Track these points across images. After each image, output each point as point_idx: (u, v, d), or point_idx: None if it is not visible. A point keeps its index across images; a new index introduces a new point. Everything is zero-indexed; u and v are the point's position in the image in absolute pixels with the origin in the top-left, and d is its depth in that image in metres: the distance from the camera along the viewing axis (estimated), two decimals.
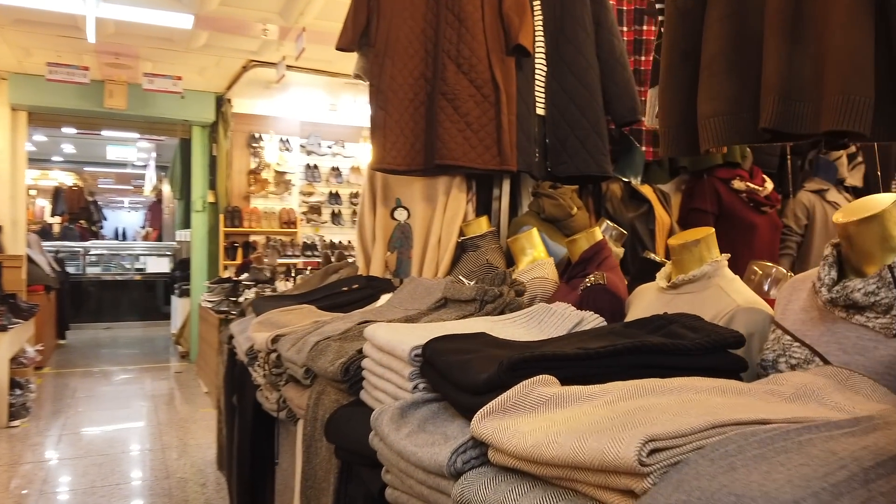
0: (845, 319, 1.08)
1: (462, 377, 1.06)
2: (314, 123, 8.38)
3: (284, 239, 8.09)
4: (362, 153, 8.64)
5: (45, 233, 11.90)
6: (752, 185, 2.85)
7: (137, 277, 11.27)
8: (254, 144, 8.05)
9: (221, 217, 7.75)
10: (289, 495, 2.04)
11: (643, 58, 2.80)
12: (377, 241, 2.67)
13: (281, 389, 1.93)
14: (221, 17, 5.17)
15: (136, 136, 10.03)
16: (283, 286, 5.59)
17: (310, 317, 2.13)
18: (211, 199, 7.93)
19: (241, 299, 5.71)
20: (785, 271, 1.63)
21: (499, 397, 0.93)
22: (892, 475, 0.59)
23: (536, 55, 2.52)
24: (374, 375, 1.36)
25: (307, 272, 5.50)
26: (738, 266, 1.47)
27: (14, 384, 5.11)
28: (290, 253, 7.89)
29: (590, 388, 0.95)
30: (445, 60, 2.37)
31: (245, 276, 6.28)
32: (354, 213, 8.68)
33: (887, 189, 3.27)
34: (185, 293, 8.25)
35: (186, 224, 8.82)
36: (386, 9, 2.45)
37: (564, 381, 0.99)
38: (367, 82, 2.53)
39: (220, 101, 7.67)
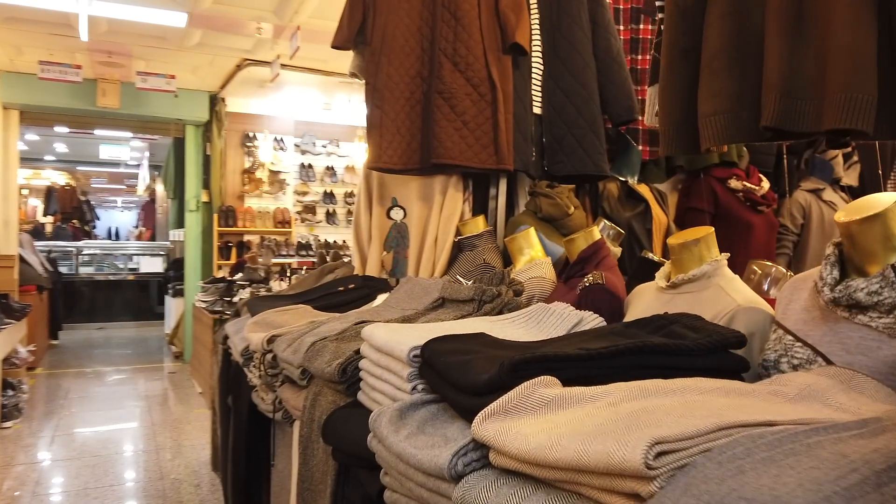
0: (848, 319, 1.07)
1: (462, 378, 1.04)
2: (308, 122, 8.36)
3: (279, 238, 8.07)
4: (357, 152, 8.62)
5: (37, 232, 11.81)
6: (748, 185, 2.85)
7: (131, 277, 11.22)
8: (248, 143, 8.02)
9: (215, 216, 7.72)
10: (285, 497, 2.02)
11: (640, 57, 2.79)
12: (373, 240, 2.65)
13: (277, 390, 1.92)
14: (215, 16, 5.14)
15: (130, 135, 9.98)
16: (277, 286, 5.57)
17: (306, 317, 2.12)
18: (205, 198, 7.90)
19: (235, 299, 5.68)
20: (784, 271, 1.63)
21: (500, 399, 0.92)
22: None
23: (533, 54, 2.51)
24: (371, 376, 1.35)
25: (302, 272, 5.48)
26: (734, 265, 1.46)
27: (6, 385, 5.07)
28: (284, 252, 7.86)
29: (592, 389, 0.93)
30: (442, 59, 2.36)
31: (239, 275, 6.26)
32: (349, 212, 8.66)
33: (884, 188, 3.27)
34: (178, 293, 8.21)
35: (180, 224, 8.78)
36: (382, 6, 2.44)
37: (566, 382, 0.98)
38: (363, 81, 2.51)
39: (214, 100, 7.64)
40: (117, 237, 16.17)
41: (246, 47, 6.02)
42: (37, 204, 14.32)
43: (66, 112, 7.21)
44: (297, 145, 8.41)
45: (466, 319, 1.58)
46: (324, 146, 8.57)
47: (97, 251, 11.78)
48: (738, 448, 0.66)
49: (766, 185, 2.91)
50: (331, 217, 8.59)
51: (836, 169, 3.18)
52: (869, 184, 3.27)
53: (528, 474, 0.83)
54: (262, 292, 5.22)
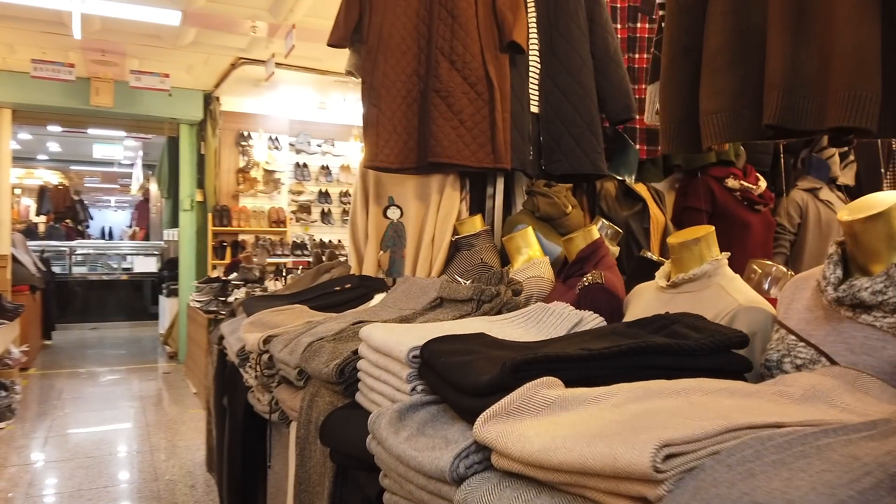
0: (852, 319, 1.06)
1: (462, 379, 1.03)
2: (303, 122, 8.33)
3: (274, 238, 8.04)
4: (352, 151, 8.59)
5: (30, 232, 11.76)
6: (745, 184, 2.84)
7: (124, 277, 11.16)
8: (242, 143, 7.99)
9: (210, 216, 7.69)
10: (281, 498, 2.01)
11: (637, 55, 2.78)
12: (370, 239, 2.64)
13: (273, 391, 1.90)
14: (210, 14, 5.11)
15: (123, 134, 9.93)
16: (272, 286, 5.55)
17: (302, 317, 2.10)
18: (199, 197, 7.86)
19: (230, 299, 5.65)
20: (785, 270, 1.62)
21: (502, 400, 0.90)
22: None
23: (530, 52, 2.50)
24: (370, 377, 1.33)
25: (298, 272, 5.46)
26: (732, 265, 1.45)
27: None
28: (279, 252, 7.84)
29: (595, 390, 0.92)
30: (439, 57, 2.35)
31: (234, 275, 6.23)
32: (344, 212, 8.63)
33: (879, 187, 3.27)
34: (172, 293, 8.17)
35: (174, 223, 8.74)
36: (378, 4, 2.42)
37: (568, 383, 0.96)
38: (359, 79, 2.50)
39: (209, 99, 7.60)
40: (111, 237, 16.11)
41: (240, 46, 5.99)
42: (30, 203, 14.25)
43: (59, 111, 7.16)
44: (291, 144, 8.38)
45: (465, 319, 1.57)
46: (319, 145, 8.54)
47: (91, 251, 11.72)
48: (747, 450, 0.65)
49: (763, 184, 2.91)
50: (326, 216, 8.57)
51: (833, 168, 3.18)
52: (865, 183, 3.27)
53: (531, 477, 0.82)
54: (258, 292, 5.20)
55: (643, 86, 2.75)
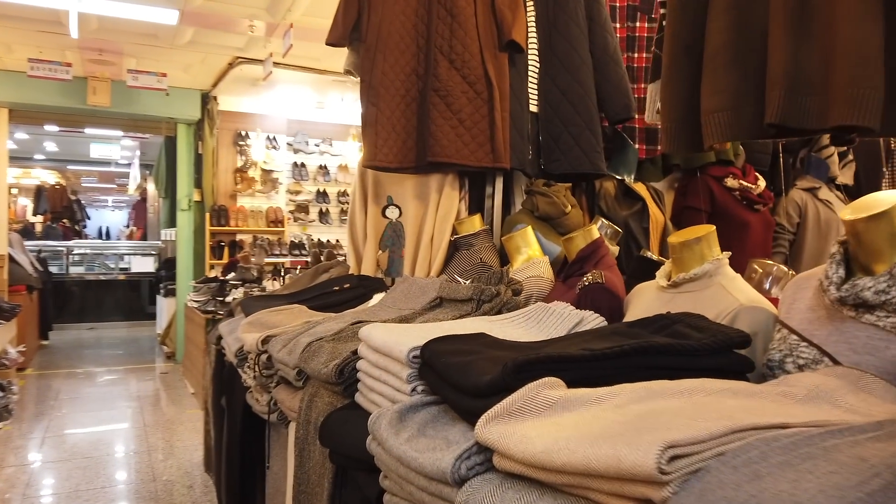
0: (854, 319, 1.05)
1: (463, 379, 1.02)
2: (301, 121, 8.32)
3: (272, 238, 8.02)
4: (350, 151, 8.58)
5: (27, 232, 11.72)
6: (745, 183, 2.84)
7: (122, 277, 11.14)
8: (240, 142, 7.97)
9: (207, 216, 7.67)
10: (280, 499, 2.00)
11: (636, 55, 2.77)
12: (368, 239, 2.63)
13: (272, 391, 1.89)
14: (207, 13, 5.10)
15: (120, 133, 9.91)
16: (270, 286, 5.54)
17: (301, 317, 2.09)
18: (197, 197, 7.85)
19: (228, 299, 5.64)
20: (786, 269, 1.61)
21: (504, 400, 0.90)
22: None
23: (529, 51, 2.49)
24: (369, 377, 1.32)
25: (296, 272, 5.45)
26: (731, 264, 1.45)
27: None
28: (277, 252, 7.82)
29: (597, 390, 0.92)
30: (438, 56, 2.34)
31: (232, 275, 6.22)
32: (342, 211, 8.62)
33: (878, 186, 3.27)
34: (170, 293, 8.16)
35: (172, 223, 8.72)
36: (377, 3, 2.41)
37: (570, 384, 0.96)
38: (358, 78, 2.49)
39: (206, 99, 7.58)
40: (108, 237, 16.07)
41: (238, 45, 5.98)
42: (26, 203, 14.21)
43: (56, 110, 7.14)
44: (289, 144, 8.37)
45: (465, 319, 1.56)
46: (317, 145, 8.53)
47: (88, 251, 11.69)
48: (752, 452, 0.64)
49: (762, 183, 2.90)
50: (324, 216, 8.56)
51: (832, 167, 3.17)
52: (864, 182, 3.27)
53: (533, 478, 0.81)
54: (256, 292, 5.19)
55: (642, 85, 2.75)
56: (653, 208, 2.69)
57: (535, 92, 2.51)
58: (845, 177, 3.26)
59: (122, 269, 11.40)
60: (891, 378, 0.95)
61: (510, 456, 0.82)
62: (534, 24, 2.51)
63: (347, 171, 8.62)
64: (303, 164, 8.46)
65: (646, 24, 2.77)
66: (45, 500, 3.66)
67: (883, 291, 1.01)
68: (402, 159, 2.40)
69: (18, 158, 12.68)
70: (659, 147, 2.76)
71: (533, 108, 2.50)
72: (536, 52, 2.51)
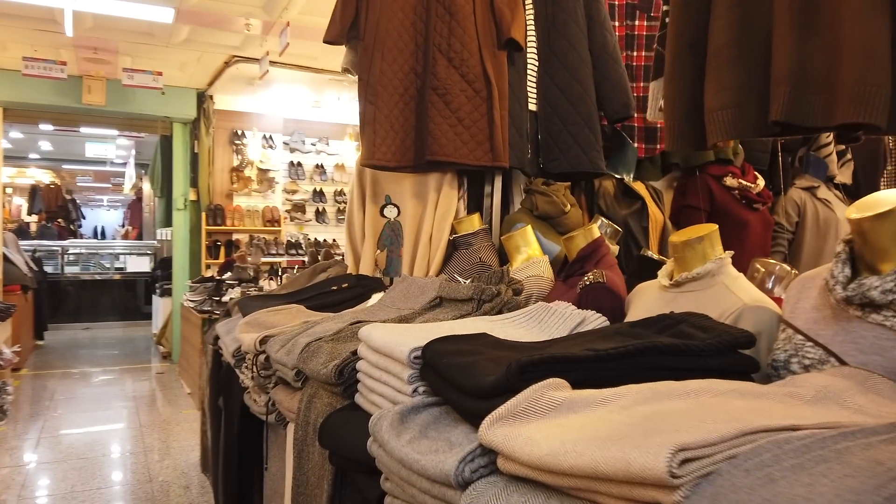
0: (861, 318, 1.04)
1: (466, 380, 1.01)
2: (298, 120, 8.30)
3: (268, 237, 8.00)
4: (347, 150, 8.56)
5: (21, 231, 11.67)
6: (744, 182, 2.83)
7: (117, 277, 11.10)
8: (236, 141, 7.94)
9: (203, 215, 7.64)
10: (278, 501, 1.98)
11: (635, 53, 2.76)
12: (366, 238, 2.61)
13: (270, 392, 1.88)
14: (203, 11, 5.07)
15: (116, 132, 9.86)
16: (267, 285, 5.51)
17: (299, 317, 2.08)
18: (193, 196, 7.82)
19: (224, 299, 5.62)
20: (789, 269, 1.60)
21: (508, 402, 0.88)
22: None
23: (528, 50, 2.48)
24: (370, 378, 1.31)
25: (293, 271, 5.43)
26: (732, 264, 1.43)
27: None
28: (273, 251, 7.80)
29: (602, 391, 0.90)
30: (436, 54, 2.32)
31: (228, 275, 6.19)
32: (339, 211, 8.60)
33: (876, 185, 3.27)
34: (166, 292, 8.12)
35: (167, 222, 8.70)
36: (375, 1, 2.39)
37: (574, 385, 0.95)
38: (356, 76, 2.47)
39: (202, 98, 7.56)
40: (103, 236, 16.02)
41: (234, 44, 5.95)
42: (21, 203, 14.17)
43: (51, 109, 7.11)
44: (286, 143, 8.34)
45: (466, 319, 1.54)
46: (313, 144, 8.50)
47: (83, 250, 11.65)
48: (764, 455, 0.63)
49: (761, 182, 2.90)
50: (320, 215, 8.53)
51: (831, 166, 3.17)
52: (863, 181, 3.27)
53: (538, 481, 0.80)
54: (252, 292, 5.17)
55: (641, 84, 2.74)
56: (652, 207, 2.68)
57: (534, 91, 2.50)
58: (844, 176, 3.26)
59: (117, 269, 11.37)
60: None
61: (515, 458, 0.81)
62: (533, 22, 2.49)
63: (344, 171, 8.60)
64: (299, 164, 8.43)
65: (645, 23, 2.76)
66: (41, 502, 3.63)
67: (890, 291, 1.00)
68: (401, 158, 2.38)
69: (13, 157, 12.63)
70: (658, 146, 2.75)
71: (532, 107, 2.49)
72: (535, 51, 2.50)
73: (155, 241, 11.13)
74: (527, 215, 2.37)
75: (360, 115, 2.41)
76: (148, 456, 4.35)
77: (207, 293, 6.05)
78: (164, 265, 8.88)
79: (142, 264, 11.32)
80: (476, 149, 2.32)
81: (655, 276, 1.54)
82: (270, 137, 8.17)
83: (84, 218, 15.39)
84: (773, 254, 3.01)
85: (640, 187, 2.72)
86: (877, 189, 3.29)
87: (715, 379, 0.95)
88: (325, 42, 2.45)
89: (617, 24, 2.75)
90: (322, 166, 8.56)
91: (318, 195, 8.55)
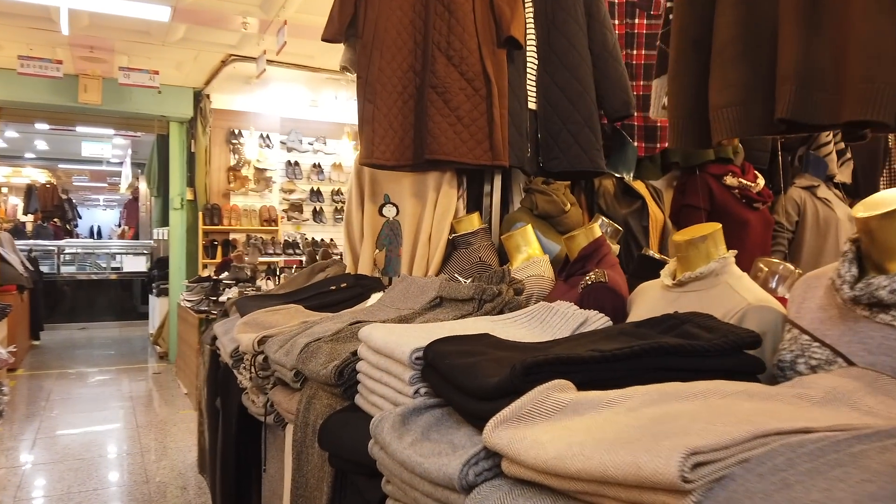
0: (868, 318, 1.03)
1: (469, 381, 1.00)
2: (295, 119, 8.27)
3: (265, 237, 7.97)
4: (344, 150, 8.54)
5: (17, 231, 11.63)
6: (744, 181, 2.82)
7: (113, 276, 11.06)
8: (233, 141, 7.92)
9: (200, 215, 7.61)
10: (276, 502, 1.96)
11: (635, 52, 2.75)
12: (365, 238, 2.59)
13: (268, 393, 1.86)
14: (200, 10, 5.05)
15: (112, 132, 9.83)
16: (264, 285, 5.49)
17: (297, 317, 2.06)
18: (189, 196, 7.79)
19: (221, 298, 5.60)
20: (792, 268, 1.59)
21: (513, 404, 0.87)
22: None
23: (528, 48, 2.46)
24: (370, 379, 1.29)
25: (291, 271, 5.41)
26: None
27: None
28: (271, 251, 7.77)
29: (608, 393, 0.89)
30: (435, 52, 2.31)
31: (225, 274, 6.17)
32: (336, 210, 8.58)
33: (876, 185, 3.27)
34: (163, 292, 8.09)
35: (164, 222, 8.66)
36: None
37: (579, 386, 0.93)
38: (354, 75, 2.45)
39: (199, 97, 7.53)
40: (99, 236, 15.98)
41: (231, 42, 5.93)
42: (17, 202, 14.11)
43: (47, 108, 7.07)
44: (283, 142, 8.31)
45: (467, 319, 1.53)
46: (310, 143, 8.48)
47: (79, 250, 11.61)
48: (778, 459, 0.61)
49: (761, 181, 2.89)
50: (318, 215, 8.51)
51: (831, 166, 3.16)
52: (862, 180, 3.26)
53: (544, 485, 0.78)
54: (250, 291, 5.14)
55: (641, 82, 2.72)
56: (652, 207, 2.66)
57: (534, 89, 2.48)
58: (843, 175, 3.25)
59: (113, 269, 11.33)
60: None
61: (520, 462, 0.79)
62: (532, 20, 2.48)
63: (341, 170, 8.58)
64: (296, 163, 8.41)
65: (644, 21, 2.75)
66: (37, 503, 3.61)
67: None
68: (400, 157, 2.37)
69: (8, 157, 12.59)
70: (658, 145, 2.74)
71: (531, 106, 2.47)
72: (535, 49, 2.48)
73: (151, 241, 11.09)
74: (527, 214, 2.36)
75: (359, 114, 2.40)
76: (145, 457, 4.32)
77: (204, 293, 6.02)
78: (160, 265, 8.85)
79: (138, 264, 11.28)
80: (475, 147, 2.31)
81: (657, 276, 1.53)
82: (267, 137, 8.15)
83: (80, 217, 15.35)
84: (774, 253, 3.00)
85: (640, 186, 2.71)
86: (876, 188, 3.28)
87: (721, 380, 0.93)
88: (323, 40, 2.43)
89: (617, 22, 2.74)
90: (319, 165, 8.54)
91: (316, 194, 8.52)
